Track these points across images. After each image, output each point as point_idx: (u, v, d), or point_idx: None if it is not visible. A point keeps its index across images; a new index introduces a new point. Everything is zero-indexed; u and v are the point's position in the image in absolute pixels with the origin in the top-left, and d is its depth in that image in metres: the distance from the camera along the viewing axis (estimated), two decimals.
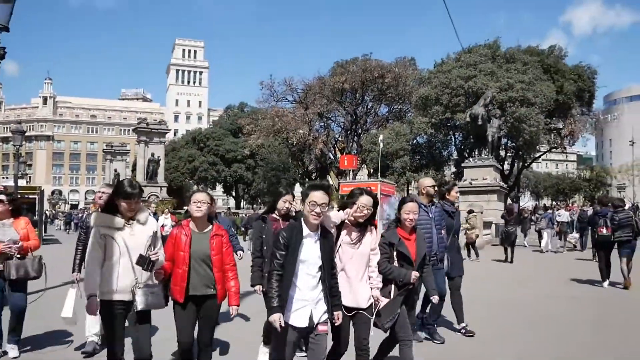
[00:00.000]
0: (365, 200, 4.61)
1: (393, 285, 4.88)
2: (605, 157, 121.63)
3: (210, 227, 4.85)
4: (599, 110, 53.71)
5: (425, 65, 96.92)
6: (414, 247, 5.05)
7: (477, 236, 19.62)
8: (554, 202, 60.82)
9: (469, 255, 18.61)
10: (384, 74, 48.29)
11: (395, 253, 4.99)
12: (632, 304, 10.11)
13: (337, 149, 54.73)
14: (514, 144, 42.34)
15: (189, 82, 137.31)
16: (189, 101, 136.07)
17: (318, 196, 4.09)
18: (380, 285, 4.76)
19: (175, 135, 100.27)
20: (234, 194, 76.67)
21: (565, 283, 12.74)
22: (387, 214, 24.68)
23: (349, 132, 52.69)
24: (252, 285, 5.82)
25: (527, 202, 79.82)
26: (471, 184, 28.96)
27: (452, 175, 43.95)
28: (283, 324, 3.92)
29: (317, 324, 4.09)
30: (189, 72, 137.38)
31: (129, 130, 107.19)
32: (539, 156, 54.14)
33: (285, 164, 54.22)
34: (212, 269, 4.70)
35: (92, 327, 6.42)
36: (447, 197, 7.58)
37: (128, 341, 4.54)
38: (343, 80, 48.42)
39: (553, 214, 24.87)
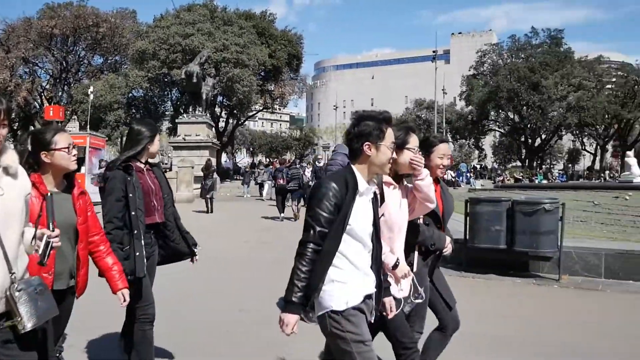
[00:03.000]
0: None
1: (417, 253, 3.54)
2: (314, 119, 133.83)
3: (66, 183, 3.09)
4: (305, 76, 58.93)
5: (146, 19, 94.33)
6: (440, 201, 3.70)
7: None
8: (268, 159, 64.73)
9: None
10: (99, 23, 46.35)
11: None
12: (295, 225, 15.05)
13: (44, 98, 50.87)
14: (229, 102, 44.22)
15: None
16: None
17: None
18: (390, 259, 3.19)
19: None
20: None
21: (258, 219, 17.39)
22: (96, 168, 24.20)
23: (58, 80, 49.37)
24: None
25: (243, 158, 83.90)
26: (184, 140, 29.80)
27: (167, 131, 44.30)
28: (296, 331, 2.61)
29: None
30: None
31: None
32: (253, 115, 57.39)
33: None
34: (77, 245, 3.09)
35: None
36: None
37: None
38: (53, 24, 45.17)
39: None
